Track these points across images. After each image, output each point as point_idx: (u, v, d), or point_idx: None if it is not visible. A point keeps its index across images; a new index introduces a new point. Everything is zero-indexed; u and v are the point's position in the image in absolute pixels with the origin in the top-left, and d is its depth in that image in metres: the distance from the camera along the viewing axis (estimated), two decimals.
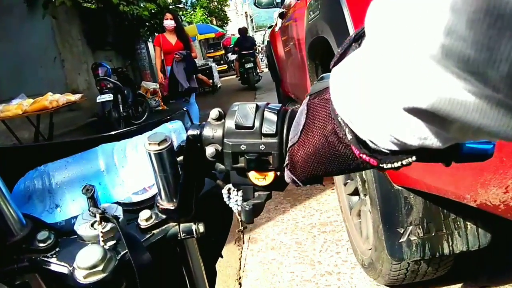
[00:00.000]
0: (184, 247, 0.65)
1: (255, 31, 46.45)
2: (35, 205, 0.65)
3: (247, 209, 0.50)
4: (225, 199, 0.54)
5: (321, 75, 0.42)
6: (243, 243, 2.67)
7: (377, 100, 0.29)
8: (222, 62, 21.41)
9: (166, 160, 0.54)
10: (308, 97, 0.41)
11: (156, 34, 7.12)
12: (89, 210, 0.56)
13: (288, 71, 4.23)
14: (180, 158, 0.56)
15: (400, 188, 1.49)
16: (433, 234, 1.50)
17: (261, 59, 17.23)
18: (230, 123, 0.46)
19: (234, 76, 15.69)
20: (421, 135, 0.29)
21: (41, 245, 0.55)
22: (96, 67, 7.12)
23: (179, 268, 0.68)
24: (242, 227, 0.63)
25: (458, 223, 1.49)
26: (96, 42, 9.30)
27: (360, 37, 0.35)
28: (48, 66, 8.49)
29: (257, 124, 0.45)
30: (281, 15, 4.22)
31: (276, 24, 5.14)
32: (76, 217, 0.62)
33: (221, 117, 0.48)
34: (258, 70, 12.40)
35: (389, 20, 0.25)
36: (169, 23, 6.09)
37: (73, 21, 8.75)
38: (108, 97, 6.66)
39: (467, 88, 0.23)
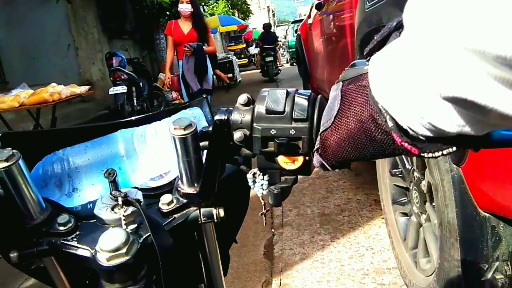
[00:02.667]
0: (201, 231, 0.69)
1: (277, 26, 46.99)
2: (52, 190, 0.69)
3: (275, 192, 0.53)
4: (250, 184, 0.56)
5: (353, 62, 0.45)
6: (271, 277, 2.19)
7: (416, 89, 0.32)
8: (242, 55, 21.61)
9: (190, 145, 0.58)
10: (341, 83, 0.44)
11: None
12: (110, 194, 0.59)
13: (325, 66, 4.11)
14: (203, 143, 0.59)
15: (487, 215, 1.32)
16: None
17: (281, 54, 18.41)
18: (260, 108, 0.50)
19: (254, 70, 17.07)
20: (460, 122, 0.31)
21: (62, 228, 0.58)
22: (110, 56, 7.15)
23: (195, 252, 0.73)
24: (265, 210, 0.65)
25: None
26: (112, 30, 9.41)
27: (401, 26, 0.37)
28: (61, 54, 8.63)
29: (287, 109, 0.48)
30: (318, 7, 4.13)
31: (309, 17, 5.07)
32: (92, 202, 0.67)
33: (249, 103, 0.52)
34: (278, 64, 14.11)
35: (428, 14, 0.27)
36: (184, 7, 5.31)
37: (89, 7, 8.87)
38: (122, 89, 6.63)
39: (506, 79, 0.25)
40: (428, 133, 0.34)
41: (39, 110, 4.95)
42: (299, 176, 0.55)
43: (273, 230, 2.81)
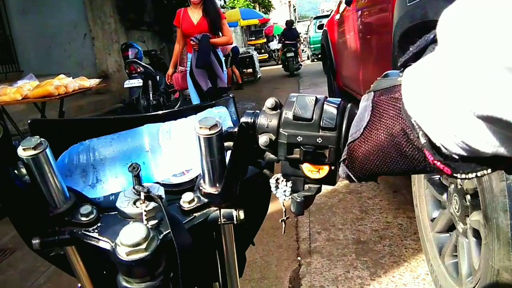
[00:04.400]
0: (220, 232, 0.71)
1: (298, 21, 47.06)
2: (77, 180, 0.71)
3: (298, 200, 0.54)
4: (273, 189, 0.57)
5: (385, 72, 0.45)
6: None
7: (450, 106, 0.32)
8: (263, 51, 21.71)
9: (214, 145, 0.60)
10: (372, 93, 0.44)
11: None
12: (133, 188, 0.62)
13: (354, 64, 4.02)
14: (227, 143, 0.61)
15: None
16: None
17: (302, 50, 20.00)
18: (288, 114, 0.50)
19: (275, 66, 17.80)
20: (495, 142, 0.31)
21: (84, 219, 0.61)
22: (126, 48, 7.15)
23: (212, 250, 0.75)
24: (285, 217, 0.66)
25: None
26: (130, 21, 9.43)
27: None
28: (77, 44, 8.74)
29: (316, 116, 0.49)
30: (348, 1, 4.09)
31: (337, 12, 5.04)
32: (114, 194, 0.69)
33: (276, 107, 0.52)
34: (299, 60, 15.20)
35: (464, 30, 0.28)
36: None
37: None
38: (137, 82, 6.62)
39: None
40: (462, 152, 0.34)
41: (45, 104, 4.69)
42: (324, 188, 0.55)
43: (299, 258, 2.46)
